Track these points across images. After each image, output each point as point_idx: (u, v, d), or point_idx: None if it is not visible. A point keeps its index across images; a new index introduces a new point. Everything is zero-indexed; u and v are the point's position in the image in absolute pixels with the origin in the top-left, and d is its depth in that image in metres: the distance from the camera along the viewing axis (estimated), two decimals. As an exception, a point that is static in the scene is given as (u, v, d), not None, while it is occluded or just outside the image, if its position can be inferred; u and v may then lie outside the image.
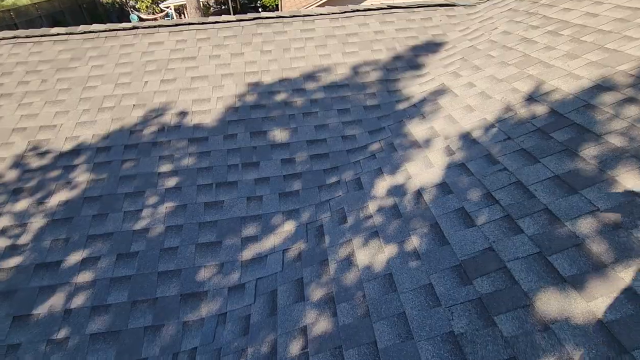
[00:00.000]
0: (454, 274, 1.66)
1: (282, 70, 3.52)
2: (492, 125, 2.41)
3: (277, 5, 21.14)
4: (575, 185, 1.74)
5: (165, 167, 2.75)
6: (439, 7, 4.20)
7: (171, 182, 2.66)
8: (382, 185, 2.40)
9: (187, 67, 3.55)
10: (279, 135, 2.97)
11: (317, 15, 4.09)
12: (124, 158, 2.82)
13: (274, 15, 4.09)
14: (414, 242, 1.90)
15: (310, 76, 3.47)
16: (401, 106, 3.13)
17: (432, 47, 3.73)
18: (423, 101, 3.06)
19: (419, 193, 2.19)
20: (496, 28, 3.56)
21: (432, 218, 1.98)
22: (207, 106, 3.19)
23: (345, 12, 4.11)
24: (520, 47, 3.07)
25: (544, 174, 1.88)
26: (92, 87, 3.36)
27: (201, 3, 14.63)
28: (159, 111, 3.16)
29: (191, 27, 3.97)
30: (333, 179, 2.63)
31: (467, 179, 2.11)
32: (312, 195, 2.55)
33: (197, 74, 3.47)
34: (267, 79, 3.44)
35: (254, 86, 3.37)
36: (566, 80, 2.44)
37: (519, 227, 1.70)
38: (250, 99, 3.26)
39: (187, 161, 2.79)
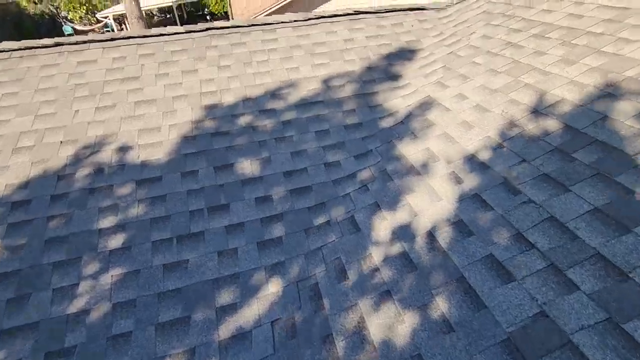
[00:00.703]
0: (504, 353, 1.30)
1: (245, 88, 3.04)
2: (499, 145, 2.11)
3: (226, 13, 20.37)
4: (625, 220, 1.45)
5: (107, 222, 2.16)
6: (409, 12, 3.94)
7: (116, 241, 2.09)
8: (384, 225, 2.00)
9: (128, 89, 2.94)
10: (249, 167, 2.48)
11: (278, 23, 3.65)
12: (50, 214, 2.19)
13: (229, 25, 3.58)
14: (440, 305, 1.52)
15: (278, 93, 3.02)
16: (386, 123, 2.77)
17: (407, 54, 3.44)
18: (410, 116, 2.73)
19: (431, 235, 1.82)
20: (474, 32, 3.34)
21: (457, 270, 1.61)
22: (157, 137, 2.63)
23: (309, 19, 3.72)
24: (506, 52, 2.84)
25: (581, 207, 1.59)
26: (2, 122, 2.66)
27: (143, 12, 13.56)
28: (95, 147, 2.54)
29: (131, 41, 3.35)
30: (321, 219, 2.20)
31: (487, 214, 1.77)
32: (298, 243, 2.10)
33: (141, 98, 2.89)
34: (229, 99, 2.94)
35: (213, 109, 2.86)
36: (570, 89, 2.21)
37: (571, 282, 1.37)
38: (210, 125, 2.74)
39: (137, 211, 2.22)
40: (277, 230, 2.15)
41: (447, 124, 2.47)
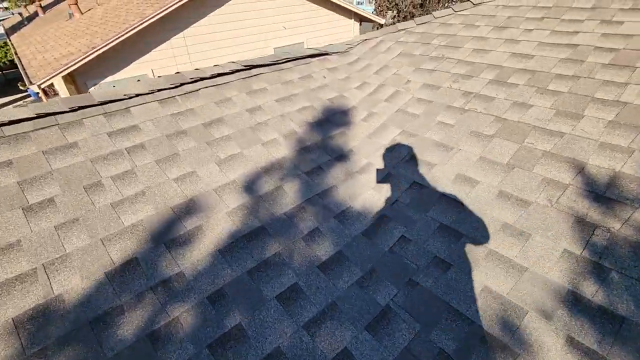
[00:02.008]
0: None
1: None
2: (570, 254, 1.37)
3: (11, 61, 15.55)
4: None
5: None
6: (310, 59, 3.04)
7: None
8: None
9: None
10: None
11: (130, 97, 2.17)
12: None
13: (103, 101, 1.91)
14: None
15: (162, 242, 1.61)
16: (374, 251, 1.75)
17: (340, 118, 2.52)
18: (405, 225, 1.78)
19: None
20: (409, 81, 2.68)
21: None
22: None
23: (182, 84, 2.38)
24: (475, 105, 2.24)
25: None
26: None
27: None
28: None
29: None
30: None
31: None
32: None
33: None
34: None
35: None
36: (610, 155, 1.68)
37: None
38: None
39: None
40: None
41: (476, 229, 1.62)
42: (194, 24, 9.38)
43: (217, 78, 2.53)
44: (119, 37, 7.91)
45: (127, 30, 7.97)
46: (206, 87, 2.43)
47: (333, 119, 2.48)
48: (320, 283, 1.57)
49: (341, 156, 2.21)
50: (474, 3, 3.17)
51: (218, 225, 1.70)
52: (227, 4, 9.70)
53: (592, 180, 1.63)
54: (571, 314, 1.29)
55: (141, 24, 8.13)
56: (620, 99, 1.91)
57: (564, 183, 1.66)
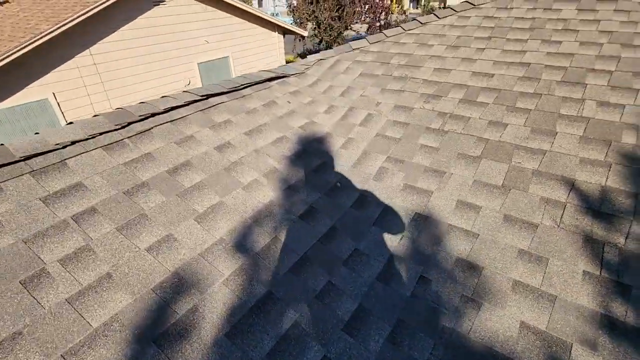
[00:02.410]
0: None
1: (65, 358, 1.10)
2: (591, 275, 1.41)
3: None
4: None
5: None
6: (269, 82, 2.81)
7: None
8: None
9: None
10: None
11: (65, 147, 1.70)
12: None
13: None
14: None
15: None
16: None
17: (320, 148, 2.33)
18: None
19: None
20: (379, 103, 2.62)
21: None
22: None
23: (129, 124, 1.96)
24: (453, 126, 2.25)
25: None
26: None
27: None
28: None
29: None
30: None
31: None
32: None
33: None
34: None
35: None
36: (593, 170, 1.79)
37: None
38: None
39: None
40: None
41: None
42: (103, 40, 8.34)
43: (172, 112, 2.16)
44: (4, 58, 6.63)
45: (17, 49, 6.72)
46: (160, 125, 2.05)
47: (310, 149, 2.29)
48: (351, 350, 1.36)
49: (330, 191, 2.03)
50: (422, 22, 3.27)
51: (216, 300, 1.38)
52: (140, 17, 8.83)
53: (586, 197, 1.71)
54: (612, 340, 1.30)
55: (34, 41, 6.93)
56: (582, 114, 2.07)
57: (561, 201, 1.72)
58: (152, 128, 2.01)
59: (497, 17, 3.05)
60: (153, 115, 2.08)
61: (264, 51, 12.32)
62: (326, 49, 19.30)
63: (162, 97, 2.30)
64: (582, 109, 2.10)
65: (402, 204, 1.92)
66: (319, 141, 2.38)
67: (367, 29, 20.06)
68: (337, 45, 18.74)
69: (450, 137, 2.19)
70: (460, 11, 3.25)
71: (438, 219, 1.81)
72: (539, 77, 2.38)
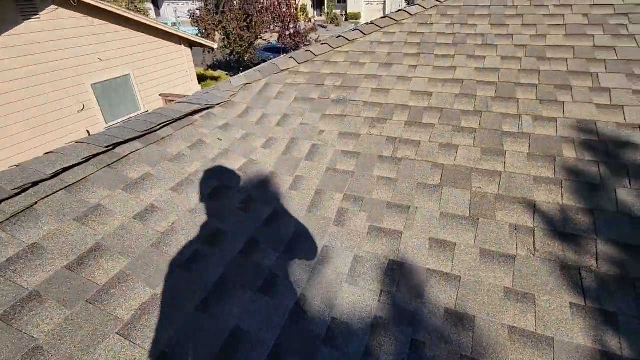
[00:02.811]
0: None
1: None
2: (578, 307, 1.38)
3: None
4: None
5: None
6: (192, 117, 2.38)
7: None
8: None
9: None
10: None
11: None
12: None
13: None
14: None
15: None
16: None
17: (263, 192, 2.00)
18: (404, 316, 1.47)
19: None
20: (322, 131, 2.39)
21: None
22: None
23: (0, 201, 1.40)
24: (406, 152, 2.12)
25: None
26: None
27: None
28: None
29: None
30: None
31: None
32: None
33: None
34: None
35: None
36: (547, 189, 1.80)
37: None
38: None
39: None
40: None
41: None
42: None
43: (64, 174, 1.63)
44: None
45: None
46: (48, 196, 1.52)
47: (256, 195, 1.96)
48: None
49: (290, 246, 1.73)
50: (349, 39, 3.14)
51: None
52: (5, 34, 7.29)
53: (549, 218, 1.70)
54: (617, 379, 1.25)
55: None
56: (523, 130, 2.12)
57: (529, 227, 1.68)
58: (36, 203, 1.47)
59: (421, 33, 3.07)
60: (35, 184, 1.53)
61: (171, 66, 11.30)
62: (238, 60, 18.67)
63: (47, 153, 1.74)
64: (521, 125, 2.14)
65: (372, 250, 1.71)
66: (264, 184, 2.05)
67: (278, 39, 19.97)
68: (249, 56, 18.26)
69: (406, 165, 2.06)
70: (385, 27, 3.21)
71: (414, 264, 1.64)
72: (475, 94, 2.41)
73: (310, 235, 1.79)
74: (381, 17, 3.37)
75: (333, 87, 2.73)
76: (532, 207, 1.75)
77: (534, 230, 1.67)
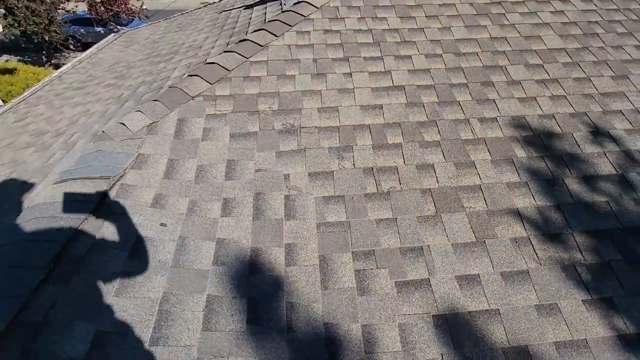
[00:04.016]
0: None
1: None
2: (590, 303, 1.65)
3: None
4: None
5: None
6: (84, 203, 1.63)
7: None
8: None
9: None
10: None
11: None
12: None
13: None
14: None
15: None
16: None
17: (262, 281, 1.59)
18: None
19: None
20: (287, 175, 2.00)
21: None
22: None
23: None
24: (388, 184, 1.99)
25: None
26: None
27: None
28: None
29: None
30: None
31: None
32: None
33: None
34: None
35: None
36: (521, 193, 1.98)
37: None
38: None
39: None
40: None
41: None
42: None
43: None
44: None
45: None
46: None
47: (256, 295, 1.53)
48: None
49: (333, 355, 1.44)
50: (261, 45, 2.64)
51: None
52: None
53: (534, 223, 1.89)
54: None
55: None
56: (477, 135, 2.24)
57: (524, 236, 1.84)
58: None
59: (337, 31, 2.82)
60: None
61: None
62: (38, 43, 14.19)
63: None
64: (474, 130, 2.27)
65: (411, 311, 1.60)
66: (254, 271, 1.62)
67: (89, 8, 15.97)
68: (54, 35, 14.02)
69: (396, 198, 1.95)
70: (294, 25, 2.82)
71: (457, 312, 1.61)
72: (421, 101, 2.40)
73: (343, 321, 1.54)
74: (282, 12, 2.95)
75: (271, 112, 2.30)
76: (518, 215, 1.92)
77: (529, 239, 1.84)
